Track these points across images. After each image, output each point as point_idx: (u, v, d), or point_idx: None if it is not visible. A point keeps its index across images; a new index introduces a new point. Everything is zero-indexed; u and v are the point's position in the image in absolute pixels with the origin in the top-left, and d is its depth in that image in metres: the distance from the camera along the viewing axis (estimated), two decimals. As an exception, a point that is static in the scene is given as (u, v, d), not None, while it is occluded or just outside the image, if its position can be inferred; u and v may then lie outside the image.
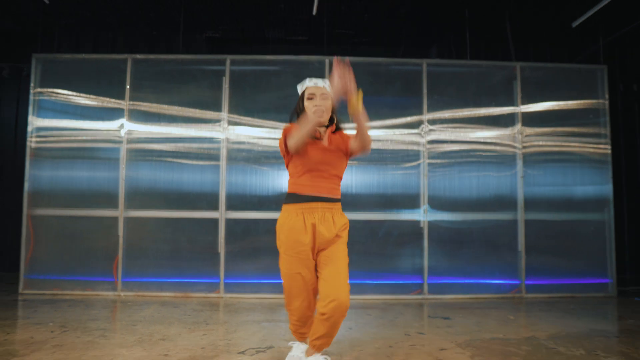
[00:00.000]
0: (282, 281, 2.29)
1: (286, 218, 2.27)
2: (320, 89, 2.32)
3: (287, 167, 2.38)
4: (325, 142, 2.33)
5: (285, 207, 2.31)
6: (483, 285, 4.98)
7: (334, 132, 2.37)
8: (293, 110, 2.41)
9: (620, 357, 2.76)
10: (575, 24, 4.89)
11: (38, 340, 2.98)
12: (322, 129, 2.35)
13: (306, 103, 2.32)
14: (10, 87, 6.29)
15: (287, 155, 2.31)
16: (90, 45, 6.34)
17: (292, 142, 2.17)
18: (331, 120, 2.38)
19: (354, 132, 2.26)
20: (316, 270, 2.28)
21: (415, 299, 4.74)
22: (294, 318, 2.35)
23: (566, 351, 2.89)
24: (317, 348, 2.28)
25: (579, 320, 3.78)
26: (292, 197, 2.27)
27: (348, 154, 2.36)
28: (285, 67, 5.04)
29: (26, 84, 6.18)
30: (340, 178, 2.37)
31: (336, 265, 2.21)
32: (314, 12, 4.87)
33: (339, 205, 2.34)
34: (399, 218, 4.88)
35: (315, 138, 2.29)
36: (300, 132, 2.14)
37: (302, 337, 2.45)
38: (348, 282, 2.20)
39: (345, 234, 2.33)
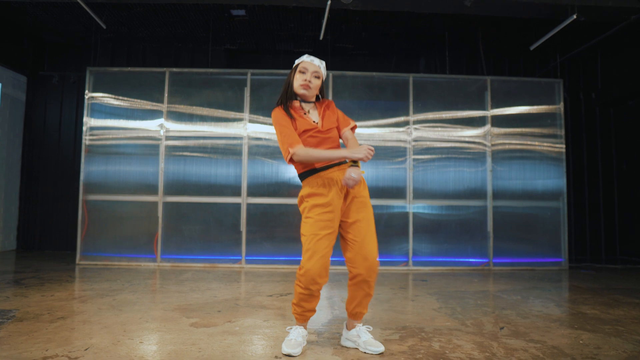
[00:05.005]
0: (302, 242, 2.30)
1: (308, 189, 2.35)
2: (314, 67, 2.40)
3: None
4: (319, 124, 2.41)
5: (306, 181, 2.37)
6: (458, 262, 5.99)
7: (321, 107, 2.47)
8: (284, 84, 2.49)
9: (545, 300, 3.80)
10: (532, 47, 5.92)
11: (116, 288, 4.01)
12: (309, 105, 2.46)
13: (296, 75, 2.41)
14: (56, 92, 7.30)
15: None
16: (124, 57, 7.35)
17: (301, 158, 2.28)
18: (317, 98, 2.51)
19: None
20: (340, 234, 2.39)
21: (402, 270, 5.77)
22: (302, 283, 2.23)
23: (507, 297, 3.93)
24: (357, 317, 2.41)
25: (527, 282, 4.82)
26: (308, 172, 2.35)
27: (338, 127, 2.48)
28: (295, 78, 6.06)
29: (70, 90, 7.24)
30: (339, 144, 2.47)
31: (364, 225, 2.33)
32: (321, 37, 5.87)
33: (347, 164, 2.36)
34: (389, 206, 5.90)
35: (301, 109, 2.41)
36: (317, 156, 2.27)
37: (303, 318, 2.38)
38: (376, 240, 2.35)
39: (366, 193, 2.41)
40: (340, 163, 2.37)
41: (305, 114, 2.41)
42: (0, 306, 3.18)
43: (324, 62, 2.48)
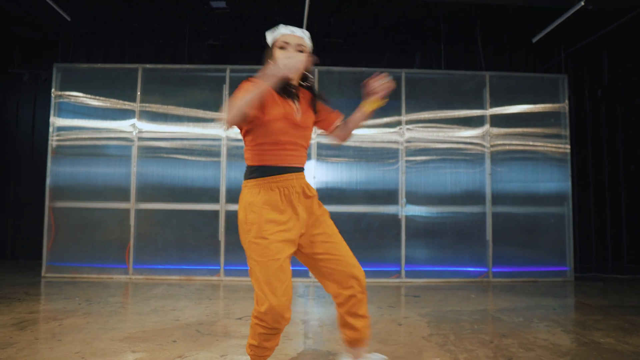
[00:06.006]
0: (251, 278, 1.84)
1: (255, 194, 1.86)
2: (297, 38, 1.93)
3: (242, 135, 1.98)
4: (298, 114, 1.95)
5: (249, 182, 1.90)
6: (454, 272, 5.55)
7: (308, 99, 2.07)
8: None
9: (551, 323, 3.36)
10: (535, 39, 5.47)
11: (70, 309, 3.58)
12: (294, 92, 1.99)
13: (277, 52, 1.93)
14: (28, 91, 6.86)
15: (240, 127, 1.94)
16: (101, 52, 6.91)
17: (231, 115, 1.73)
18: (304, 79, 2.06)
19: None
20: (304, 256, 2.00)
21: (394, 282, 5.34)
22: (266, 323, 1.78)
23: (507, 319, 3.49)
24: (364, 342, 2.10)
25: (530, 298, 4.38)
26: (259, 171, 1.89)
27: (316, 125, 2.14)
28: (279, 75, 5.63)
29: (43, 88, 6.78)
30: (307, 147, 2.07)
31: (338, 240, 1.99)
32: (304, 27, 5.44)
33: (301, 173, 1.98)
34: (379, 211, 5.46)
35: (286, 95, 1.93)
36: (245, 98, 1.72)
37: (261, 359, 1.94)
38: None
39: (323, 207, 2.05)
40: (298, 169, 1.95)
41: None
42: None
43: (307, 33, 2.00)
